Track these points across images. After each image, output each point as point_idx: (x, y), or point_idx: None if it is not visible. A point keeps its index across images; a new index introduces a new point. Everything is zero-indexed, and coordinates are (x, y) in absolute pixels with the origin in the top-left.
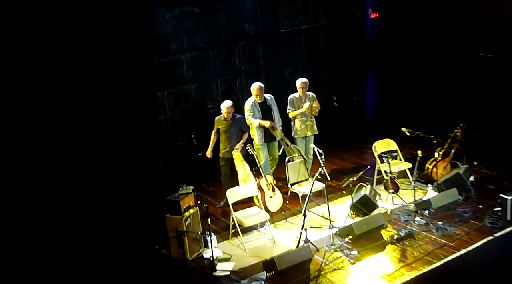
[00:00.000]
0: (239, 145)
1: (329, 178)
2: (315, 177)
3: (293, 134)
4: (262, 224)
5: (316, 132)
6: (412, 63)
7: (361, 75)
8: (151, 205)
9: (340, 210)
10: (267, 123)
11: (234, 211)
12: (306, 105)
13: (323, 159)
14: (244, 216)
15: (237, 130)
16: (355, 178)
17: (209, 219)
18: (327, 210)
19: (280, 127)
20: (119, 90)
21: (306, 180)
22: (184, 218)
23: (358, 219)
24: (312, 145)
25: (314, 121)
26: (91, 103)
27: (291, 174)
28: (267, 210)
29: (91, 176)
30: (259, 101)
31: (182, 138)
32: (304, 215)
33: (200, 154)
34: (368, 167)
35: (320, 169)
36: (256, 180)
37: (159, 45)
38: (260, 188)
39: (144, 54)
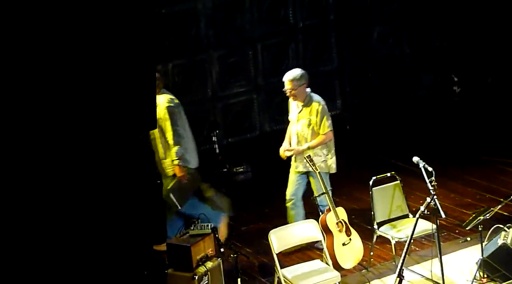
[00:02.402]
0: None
1: (443, 215)
2: (419, 212)
3: None
4: None
5: (317, 170)
6: None
7: (501, 41)
8: (138, 253)
9: (462, 270)
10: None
11: (282, 267)
12: (284, 146)
13: (434, 183)
14: (298, 276)
15: None
16: (487, 216)
17: (239, 280)
18: (440, 270)
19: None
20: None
21: (405, 217)
22: (197, 277)
23: None
24: (417, 159)
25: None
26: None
27: (379, 206)
28: (337, 266)
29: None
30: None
31: (196, 141)
32: (401, 276)
33: (225, 170)
34: (511, 197)
35: (428, 199)
36: (320, 215)
37: None
38: (326, 229)
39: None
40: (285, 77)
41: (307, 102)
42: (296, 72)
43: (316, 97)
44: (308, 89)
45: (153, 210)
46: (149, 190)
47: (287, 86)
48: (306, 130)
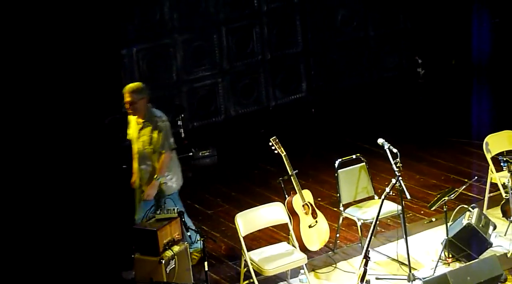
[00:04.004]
0: None
1: (408, 196)
2: (385, 193)
3: None
4: (296, 273)
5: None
6: None
7: (464, 23)
8: (104, 237)
9: (427, 250)
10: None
11: (249, 250)
12: (134, 167)
13: (400, 165)
14: (265, 259)
15: None
16: (452, 196)
17: (205, 264)
18: (405, 250)
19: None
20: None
21: (371, 198)
22: (164, 261)
23: (457, 265)
24: (382, 141)
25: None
26: None
27: (345, 188)
28: (303, 248)
29: None
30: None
31: None
32: (367, 257)
33: (191, 154)
34: (475, 177)
35: (394, 181)
36: (286, 198)
37: None
38: (292, 212)
39: None
40: (125, 89)
41: (148, 118)
42: (137, 84)
43: (157, 112)
44: (149, 105)
45: (119, 194)
46: (114, 174)
47: (127, 99)
48: (148, 149)
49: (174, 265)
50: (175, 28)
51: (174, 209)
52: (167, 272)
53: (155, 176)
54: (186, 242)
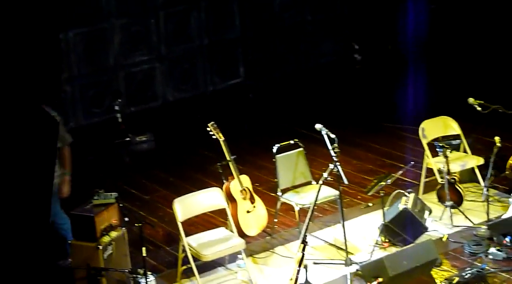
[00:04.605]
0: None
1: (346, 181)
2: (322, 179)
3: None
4: (234, 258)
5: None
6: None
7: (400, 9)
8: (38, 223)
9: (364, 235)
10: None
11: (186, 236)
12: None
13: (337, 150)
14: (203, 244)
15: None
16: (389, 181)
17: (143, 249)
18: (342, 235)
19: None
20: None
21: (308, 183)
22: (101, 247)
23: (393, 250)
24: (319, 126)
25: None
26: None
27: (283, 173)
28: (241, 233)
29: None
30: None
31: (98, 111)
32: (304, 242)
33: (128, 139)
34: (412, 163)
35: (331, 166)
36: (223, 183)
37: None
38: (230, 197)
39: None
40: None
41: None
42: None
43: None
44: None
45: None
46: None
47: None
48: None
49: (111, 251)
50: (112, 13)
51: (111, 195)
52: (105, 258)
53: (65, 172)
54: (124, 228)
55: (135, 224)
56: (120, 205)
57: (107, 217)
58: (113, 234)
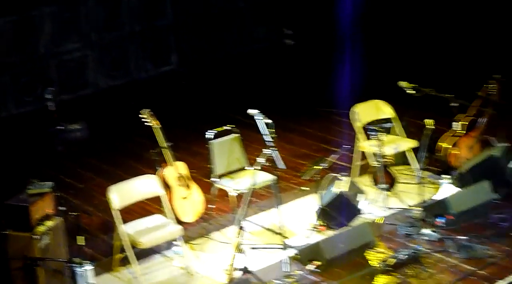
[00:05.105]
0: None
1: (283, 166)
2: (258, 164)
3: None
4: (170, 244)
5: None
6: None
7: None
8: None
9: (300, 219)
10: None
11: (123, 223)
12: None
13: (274, 135)
14: (140, 231)
15: None
16: (324, 165)
17: (79, 238)
18: (279, 219)
19: None
20: None
21: (243, 169)
22: (37, 236)
23: (329, 233)
24: (253, 111)
25: None
26: None
27: (218, 159)
28: (177, 220)
29: None
30: None
31: (30, 99)
32: (241, 227)
33: (61, 128)
34: (346, 147)
35: (266, 151)
36: (157, 170)
37: None
38: (165, 184)
39: None
40: None
41: None
42: None
43: None
44: None
45: None
46: None
47: None
48: None
49: (48, 240)
50: (41, 0)
51: (46, 184)
52: (42, 247)
53: None
54: (60, 217)
55: (70, 213)
56: (56, 194)
57: (42, 207)
58: (49, 223)
